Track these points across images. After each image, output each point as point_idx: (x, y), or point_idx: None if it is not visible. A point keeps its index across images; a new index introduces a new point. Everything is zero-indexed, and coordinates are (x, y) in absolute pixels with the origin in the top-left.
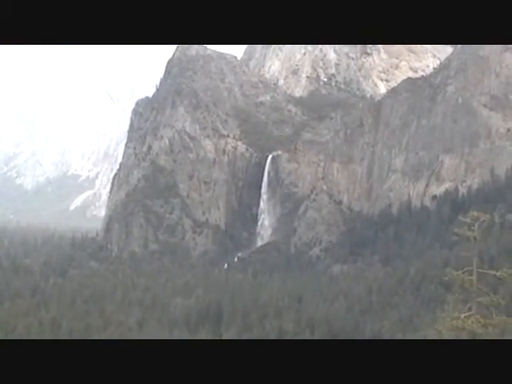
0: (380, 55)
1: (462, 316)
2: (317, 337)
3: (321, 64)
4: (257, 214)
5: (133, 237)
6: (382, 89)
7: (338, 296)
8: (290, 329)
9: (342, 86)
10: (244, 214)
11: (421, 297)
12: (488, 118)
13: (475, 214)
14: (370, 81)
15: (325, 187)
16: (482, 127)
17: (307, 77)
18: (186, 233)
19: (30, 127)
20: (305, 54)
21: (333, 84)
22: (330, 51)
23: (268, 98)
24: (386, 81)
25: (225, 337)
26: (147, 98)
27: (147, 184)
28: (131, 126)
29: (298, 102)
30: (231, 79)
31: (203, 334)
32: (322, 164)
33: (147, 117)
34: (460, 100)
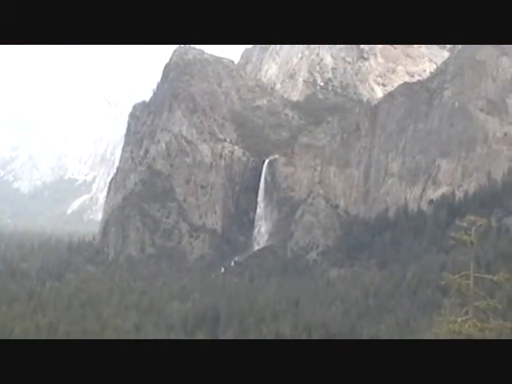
0: (377, 59)
1: (459, 320)
2: None
3: (317, 68)
4: (253, 219)
5: (130, 241)
6: (379, 93)
7: (335, 300)
8: (286, 333)
9: (339, 90)
10: (241, 219)
11: (417, 301)
12: (485, 122)
13: (472, 218)
14: (367, 85)
15: (321, 191)
16: (479, 131)
17: (304, 81)
18: (182, 237)
19: (26, 131)
20: (302, 58)
21: (329, 88)
22: (327, 55)
23: (265, 102)
24: (383, 85)
25: None
26: (144, 102)
27: (144, 188)
28: (128, 129)
29: (295, 106)
30: (228, 83)
31: (200, 338)
32: (318, 168)
33: (144, 121)
34: (457, 104)
